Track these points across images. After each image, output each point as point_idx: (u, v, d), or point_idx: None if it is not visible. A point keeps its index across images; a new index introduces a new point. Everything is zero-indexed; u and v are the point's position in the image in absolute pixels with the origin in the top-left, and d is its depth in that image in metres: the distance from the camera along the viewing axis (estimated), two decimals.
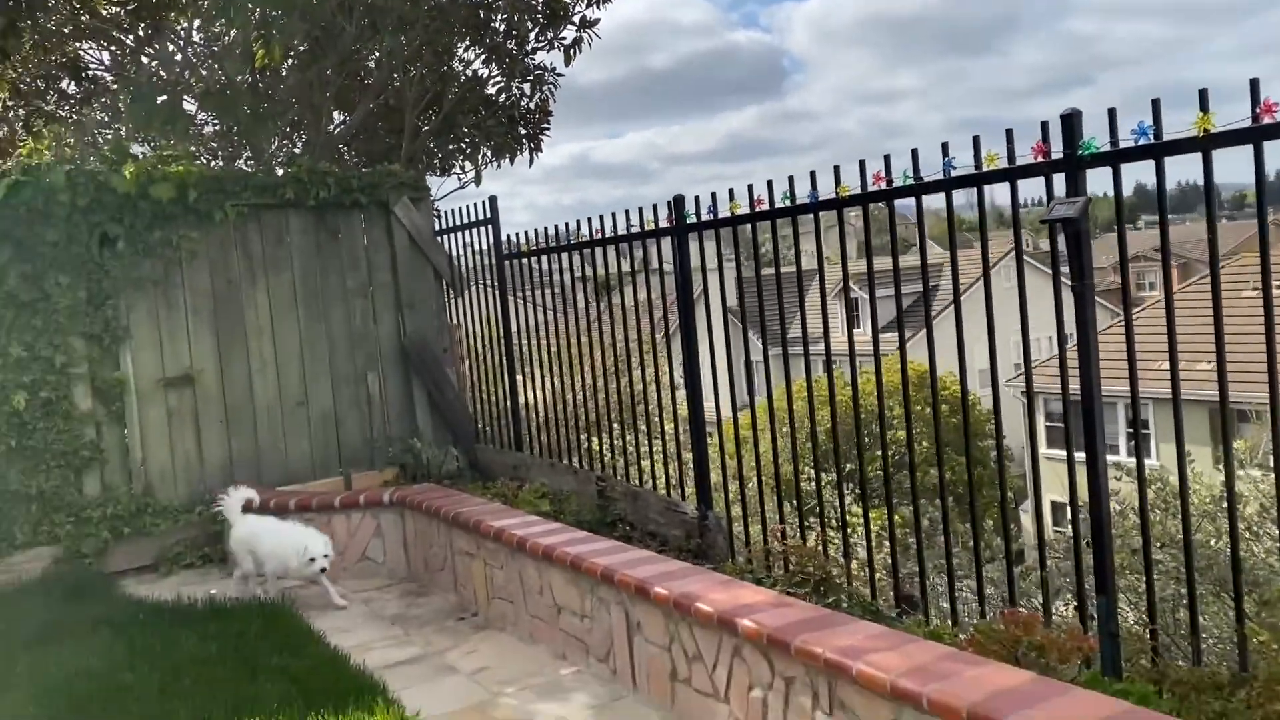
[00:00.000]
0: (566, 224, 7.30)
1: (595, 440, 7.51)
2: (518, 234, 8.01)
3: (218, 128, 11.23)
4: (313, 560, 6.40)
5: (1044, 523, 4.34)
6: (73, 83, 10.27)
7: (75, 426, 7.49)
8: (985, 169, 4.19)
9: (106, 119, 11.33)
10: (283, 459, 8.35)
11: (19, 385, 7.25)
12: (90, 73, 10.42)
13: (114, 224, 7.54)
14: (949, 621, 4.46)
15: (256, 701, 4.79)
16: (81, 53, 10.19)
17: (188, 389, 7.98)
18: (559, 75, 10.95)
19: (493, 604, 6.00)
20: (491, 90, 10.85)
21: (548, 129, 10.87)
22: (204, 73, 10.40)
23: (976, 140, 4.28)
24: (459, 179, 10.85)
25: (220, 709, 4.74)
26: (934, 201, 4.58)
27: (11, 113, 10.82)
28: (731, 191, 5.64)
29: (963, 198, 4.56)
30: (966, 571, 6.22)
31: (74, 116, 11.07)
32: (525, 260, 8.05)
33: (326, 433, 8.55)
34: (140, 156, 7.78)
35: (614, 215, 6.72)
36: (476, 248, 8.61)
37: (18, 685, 5.26)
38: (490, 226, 8.31)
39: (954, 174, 4.33)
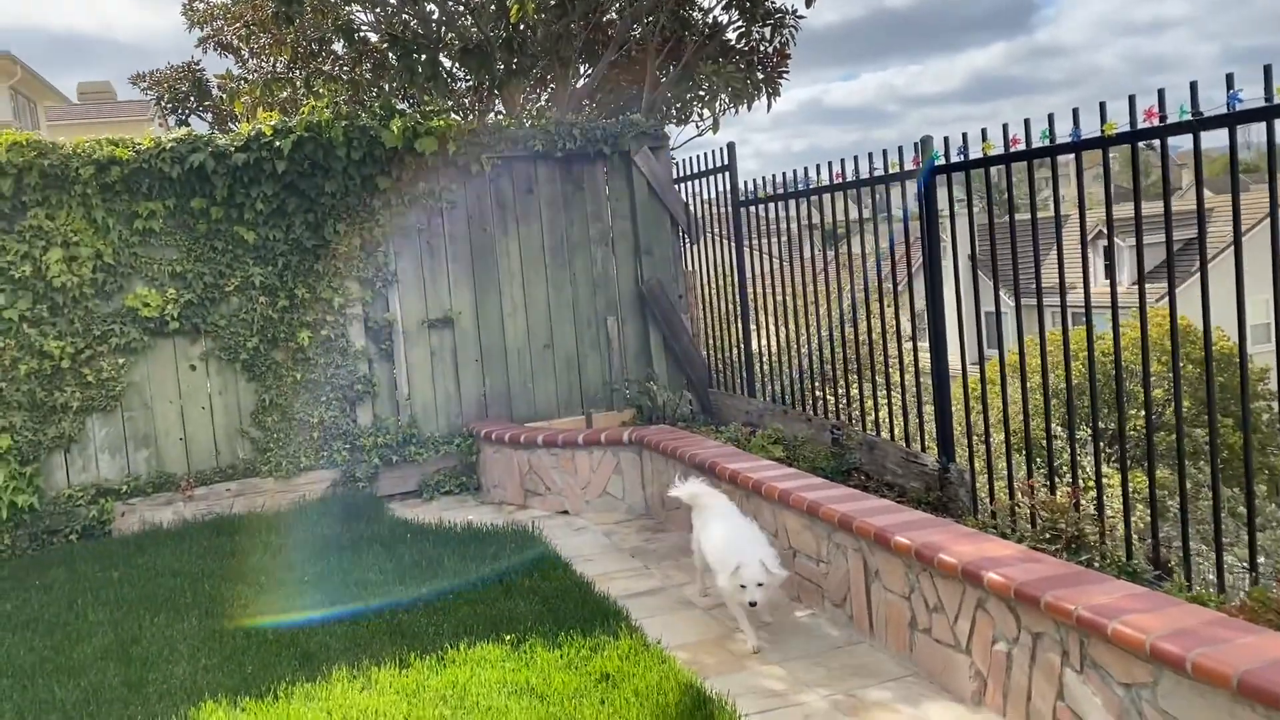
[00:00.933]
0: (806, 169, 7.23)
1: (830, 389, 7.48)
2: (753, 180, 8.02)
3: (472, 83, 11.82)
4: (742, 588, 4.69)
5: None
6: (344, 43, 11.08)
7: (351, 362, 8.22)
8: (1278, 101, 3.82)
9: (373, 77, 12.20)
10: (530, 398, 8.83)
11: (303, 324, 8.03)
12: (360, 34, 11.20)
13: (384, 176, 8.14)
14: (1213, 590, 4.19)
15: (511, 617, 5.18)
16: (352, 15, 10.97)
17: (447, 330, 8.57)
18: (800, 18, 10.81)
19: None
20: (731, 35, 10.85)
21: (786, 73, 10.76)
22: (460, 30, 10.96)
23: (1267, 70, 3.90)
24: (697, 126, 10.94)
25: (480, 621, 5.15)
26: (1209, 141, 4.23)
27: (294, 73, 11.85)
28: (984, 131, 5.42)
29: (1240, 138, 4.19)
30: (1233, 539, 5.79)
31: (346, 76, 11.99)
32: (760, 207, 8.05)
33: (570, 374, 8.96)
34: (405, 112, 8.34)
35: (855, 159, 6.61)
36: (712, 195, 8.70)
37: (307, 591, 5.91)
38: (727, 173, 8.36)
39: (1240, 108, 3.97)
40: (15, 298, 7.25)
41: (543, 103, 11.45)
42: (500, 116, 10.82)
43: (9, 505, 7.24)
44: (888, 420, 6.59)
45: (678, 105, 10.95)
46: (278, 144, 7.74)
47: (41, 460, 7.47)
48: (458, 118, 9.34)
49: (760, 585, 4.64)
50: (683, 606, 5.46)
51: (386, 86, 11.90)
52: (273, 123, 7.88)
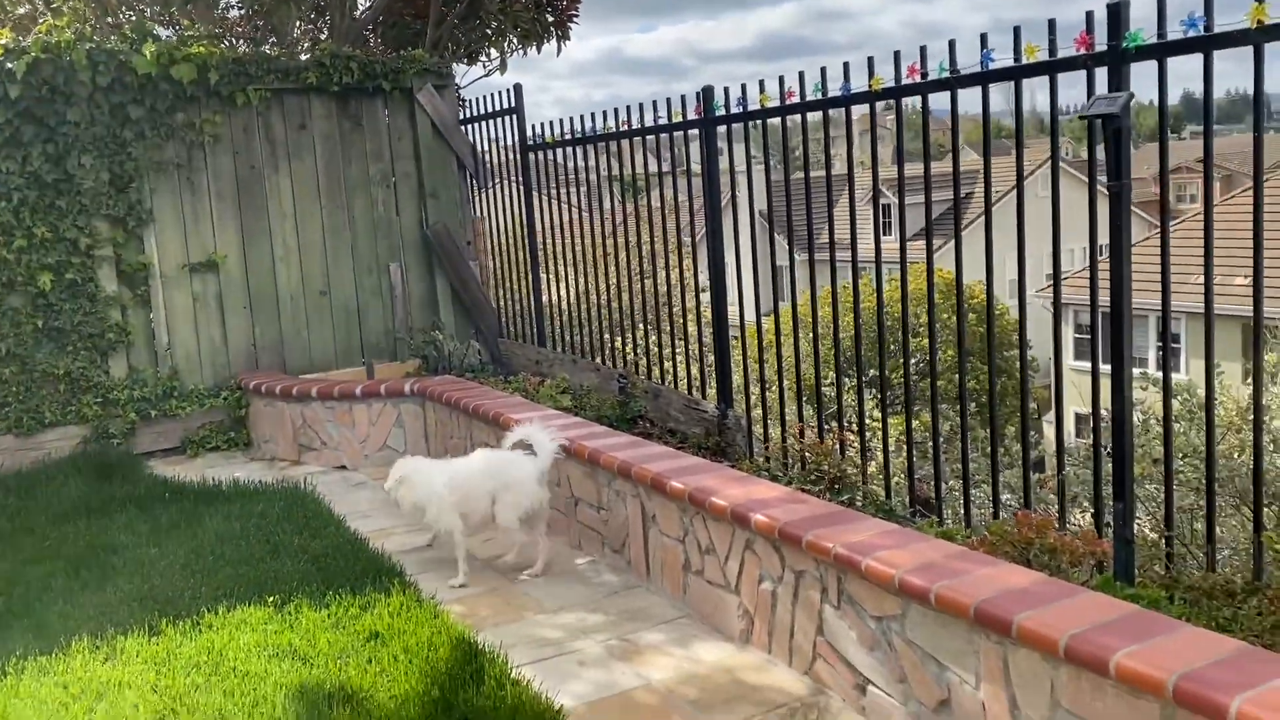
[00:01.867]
0: (593, 114, 7.14)
1: (618, 339, 7.49)
2: (543, 124, 7.86)
3: (242, 11, 10.99)
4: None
5: (1064, 428, 4.30)
6: None
7: (101, 309, 7.53)
8: (1025, 61, 4.02)
9: None
10: (306, 348, 8.40)
11: (44, 266, 7.28)
12: None
13: (135, 105, 7.45)
14: (962, 524, 4.46)
15: (277, 578, 4.91)
16: None
17: (212, 275, 7.99)
18: None
19: None
20: None
21: (576, 16, 10.56)
22: None
23: (1017, 31, 4.09)
24: (484, 66, 10.61)
25: (242, 583, 4.85)
26: (971, 105, 4.43)
27: None
28: (762, 84, 5.47)
29: (1001, 101, 4.41)
30: (984, 478, 6.20)
31: None
32: (550, 154, 7.90)
33: (349, 323, 8.58)
34: (160, 38, 7.64)
35: (640, 106, 6.57)
36: (501, 141, 8.48)
37: (47, 557, 5.41)
38: (515, 116, 8.15)
39: (992, 67, 4.16)
40: None
41: (322, 35, 10.79)
42: (273, 48, 10.12)
43: None
44: (673, 370, 6.66)
45: (465, 44, 10.56)
46: (9, 65, 6.94)
47: None
48: (222, 46, 8.67)
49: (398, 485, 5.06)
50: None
51: (146, 10, 10.89)
52: (3, 41, 7.04)
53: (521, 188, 8.25)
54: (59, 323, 7.38)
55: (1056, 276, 4.20)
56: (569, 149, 7.65)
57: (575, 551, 5.36)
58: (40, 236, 7.22)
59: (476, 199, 9.04)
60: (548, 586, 4.89)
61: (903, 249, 5.08)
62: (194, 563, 5.19)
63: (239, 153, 8.00)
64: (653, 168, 6.98)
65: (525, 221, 8.20)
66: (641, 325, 7.22)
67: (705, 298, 6.26)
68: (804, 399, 5.50)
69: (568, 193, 8.08)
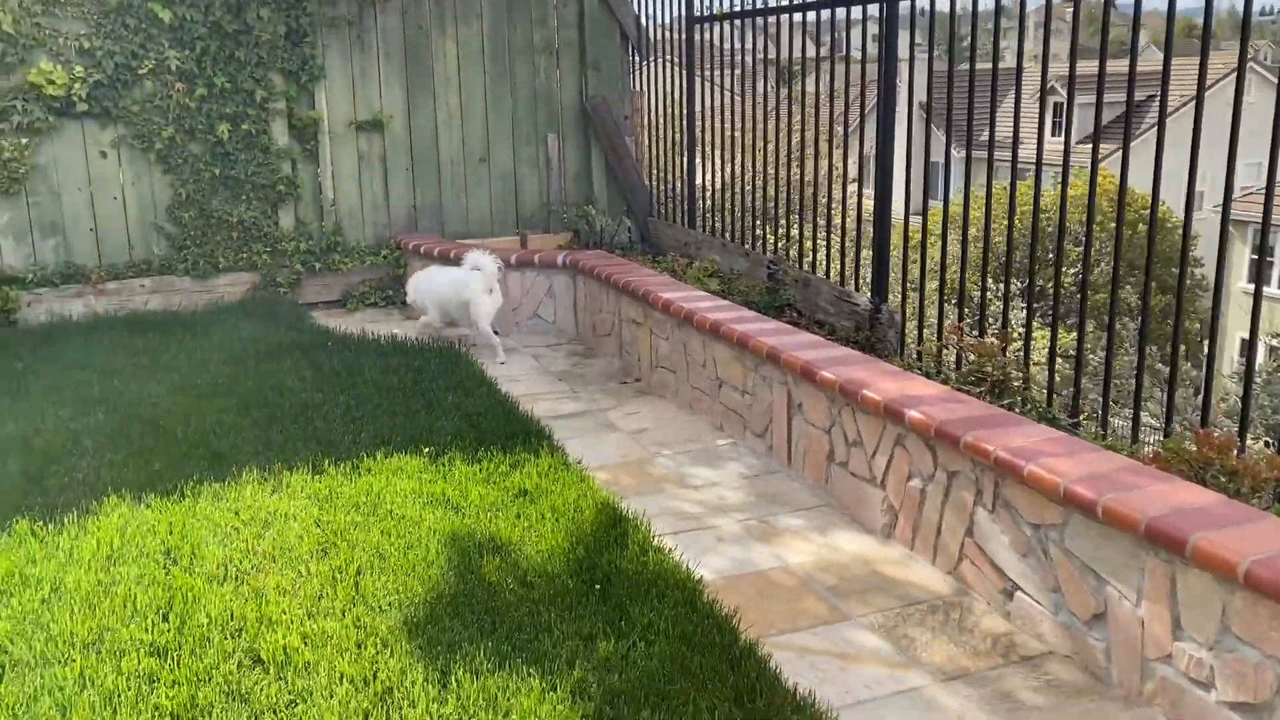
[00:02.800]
0: None
1: (770, 226, 7.34)
2: None
3: None
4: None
5: (1254, 349, 4.02)
6: None
7: (273, 161, 7.80)
8: None
9: None
10: (463, 213, 8.54)
11: (223, 116, 7.55)
12: None
13: None
14: (1129, 440, 4.26)
15: (431, 431, 5.10)
16: None
17: (377, 134, 8.15)
18: None
19: (655, 372, 6.10)
20: None
21: None
22: None
23: None
24: None
25: (399, 433, 5.06)
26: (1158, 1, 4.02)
27: None
28: None
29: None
30: (1148, 395, 5.91)
31: None
32: (714, 29, 7.64)
33: (506, 191, 8.66)
34: None
35: None
36: (665, 12, 8.26)
37: (220, 394, 5.75)
38: None
39: None
40: None
41: None
42: None
43: None
44: (825, 261, 6.50)
45: None
46: None
47: None
48: None
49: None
50: (606, 429, 5.44)
51: None
52: None
53: (684, 64, 8.05)
54: (234, 172, 7.68)
55: (1227, 193, 3.83)
56: (735, 22, 7.38)
57: (717, 432, 5.37)
58: (220, 86, 7.47)
59: (636, 73, 8.88)
60: (689, 464, 4.93)
61: (1066, 148, 4.74)
62: (354, 410, 5.44)
63: (407, 13, 8.04)
64: (812, 52, 6.69)
65: (685, 99, 8.02)
66: (795, 213, 7.04)
67: (863, 190, 6.03)
68: (955, 302, 5.29)
69: (731, 77, 7.85)
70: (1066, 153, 4.65)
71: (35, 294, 7.32)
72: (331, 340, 6.84)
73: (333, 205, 8.10)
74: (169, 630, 3.30)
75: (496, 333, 6.80)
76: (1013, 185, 4.97)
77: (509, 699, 2.93)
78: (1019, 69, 6.03)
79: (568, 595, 3.52)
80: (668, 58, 8.32)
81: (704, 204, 8.15)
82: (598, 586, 3.55)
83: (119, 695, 2.96)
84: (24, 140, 7.13)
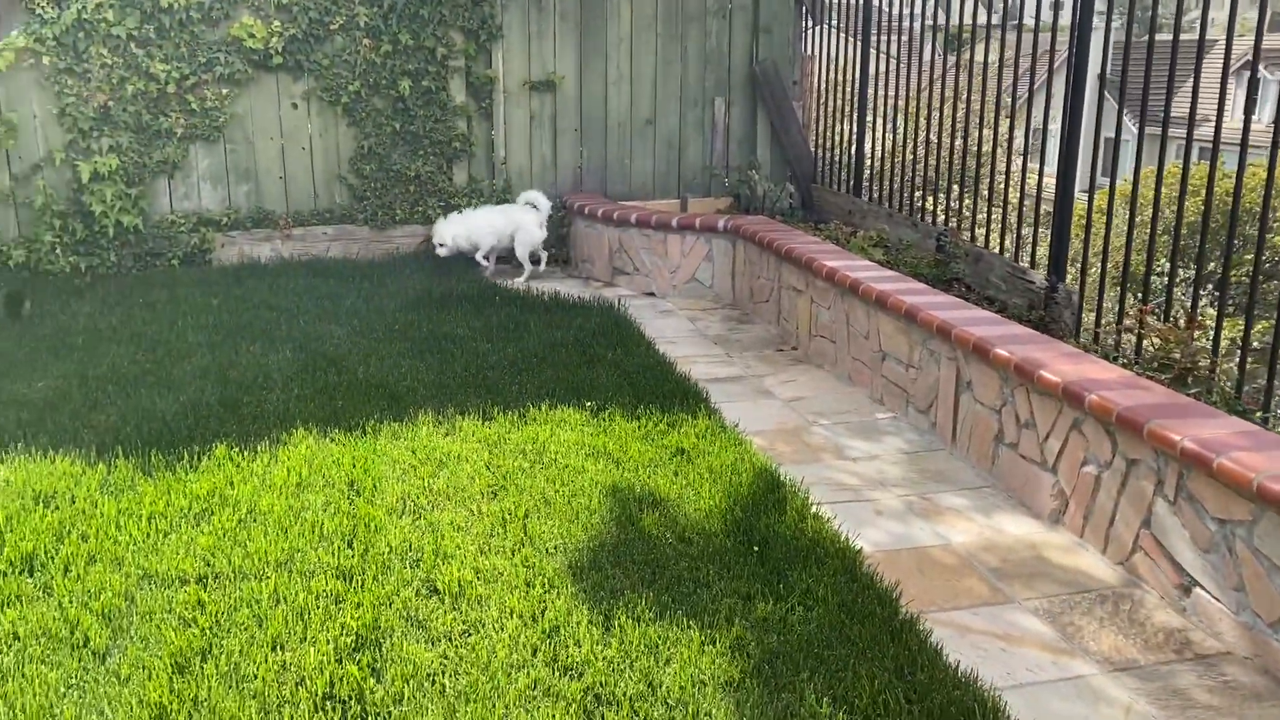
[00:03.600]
0: None
1: (938, 196, 7.15)
2: None
3: None
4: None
5: None
6: None
7: (450, 118, 8.06)
8: None
9: None
10: (627, 175, 8.64)
11: (405, 72, 7.84)
12: None
13: None
14: None
15: (592, 386, 5.23)
16: None
17: (549, 94, 8.31)
18: None
19: (814, 341, 6.07)
20: None
21: None
22: None
23: None
24: None
25: (561, 386, 5.21)
26: None
27: None
28: None
29: None
30: None
31: None
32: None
33: (669, 154, 8.71)
34: None
35: None
36: None
37: (396, 339, 6.03)
38: None
39: None
40: (123, 14, 7.15)
41: None
42: None
43: (115, 224, 7.41)
44: (999, 235, 6.30)
45: None
46: None
47: (146, 184, 7.58)
48: None
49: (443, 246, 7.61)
50: (762, 396, 5.46)
51: None
52: None
53: (860, 27, 7.88)
54: (414, 127, 7.98)
55: None
56: None
57: (876, 405, 5.32)
58: (404, 43, 7.75)
59: (807, 36, 8.76)
60: (847, 436, 4.91)
61: (1278, 128, 4.42)
62: (520, 361, 5.62)
63: None
64: (982, 20, 6.45)
65: (860, 64, 7.86)
66: (970, 184, 6.84)
67: (1043, 164, 5.80)
68: (1134, 286, 5.05)
69: (900, 43, 7.65)
70: (1277, 131, 4.36)
71: (229, 236, 7.81)
72: (498, 294, 7.07)
73: (503, 163, 8.32)
74: (353, 556, 3.52)
75: (535, 262, 7.84)
76: (1212, 165, 4.70)
77: (669, 648, 3.02)
78: (1207, 40, 5.66)
79: (725, 554, 3.58)
80: (838, 22, 8.17)
81: (870, 172, 8.00)
82: (755, 549, 3.60)
83: (309, 612, 3.19)
84: (224, 90, 7.59)
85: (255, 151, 7.84)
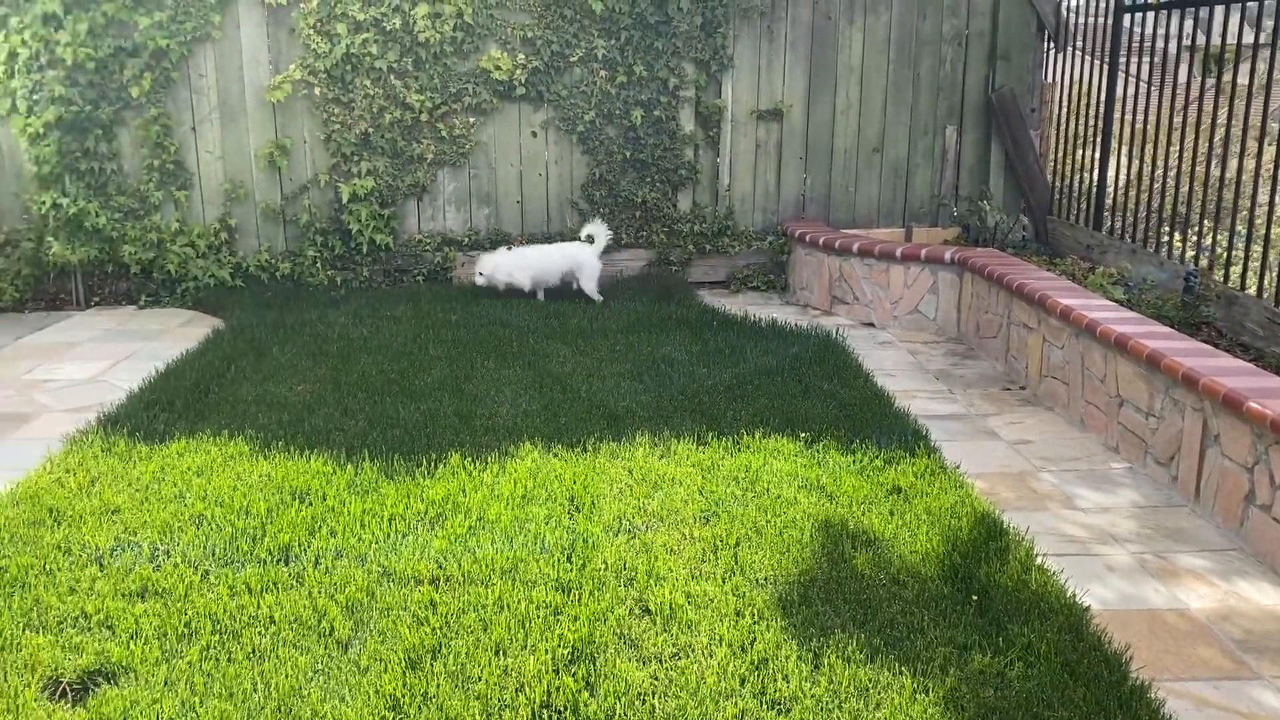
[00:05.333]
0: None
1: (1187, 231, 6.68)
2: None
3: None
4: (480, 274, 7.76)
5: None
6: None
7: (678, 146, 8.26)
8: None
9: None
10: (850, 202, 8.57)
11: (637, 102, 8.11)
12: None
13: None
14: None
15: (807, 416, 5.22)
16: None
17: (775, 123, 8.37)
18: None
19: (1044, 381, 5.80)
20: None
21: None
22: None
23: None
24: None
25: (776, 414, 5.23)
26: None
27: None
28: None
29: None
30: None
31: None
32: (1140, 18, 7.04)
33: (896, 183, 8.57)
34: None
35: None
36: (1089, 2, 7.73)
37: (618, 359, 6.23)
38: None
39: None
40: (386, 49, 7.78)
41: None
42: None
43: (369, 241, 8.05)
44: (1256, 275, 5.82)
45: None
46: None
47: (398, 205, 8.19)
48: None
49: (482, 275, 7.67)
50: (984, 436, 5.27)
51: None
52: None
53: (1108, 54, 7.50)
54: (643, 155, 8.23)
55: None
56: (1175, 11, 6.74)
57: (1110, 453, 5.03)
58: (638, 74, 8.02)
59: (1048, 63, 8.41)
60: (1077, 484, 4.67)
61: None
62: (735, 387, 5.68)
63: (817, 2, 8.15)
64: (1246, 39, 5.96)
65: (1105, 87, 7.48)
66: (1225, 218, 6.35)
67: None
68: None
69: (1144, 65, 7.20)
70: None
71: (469, 255, 8.31)
72: (716, 319, 7.17)
73: (727, 190, 8.44)
74: (571, 570, 3.68)
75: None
76: None
77: (880, 692, 2.98)
78: None
79: (941, 601, 3.49)
80: (1081, 47, 7.79)
81: (1112, 203, 7.58)
82: (974, 598, 3.49)
83: (529, 621, 3.36)
84: (471, 119, 8.10)
85: (496, 177, 8.31)
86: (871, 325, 7.44)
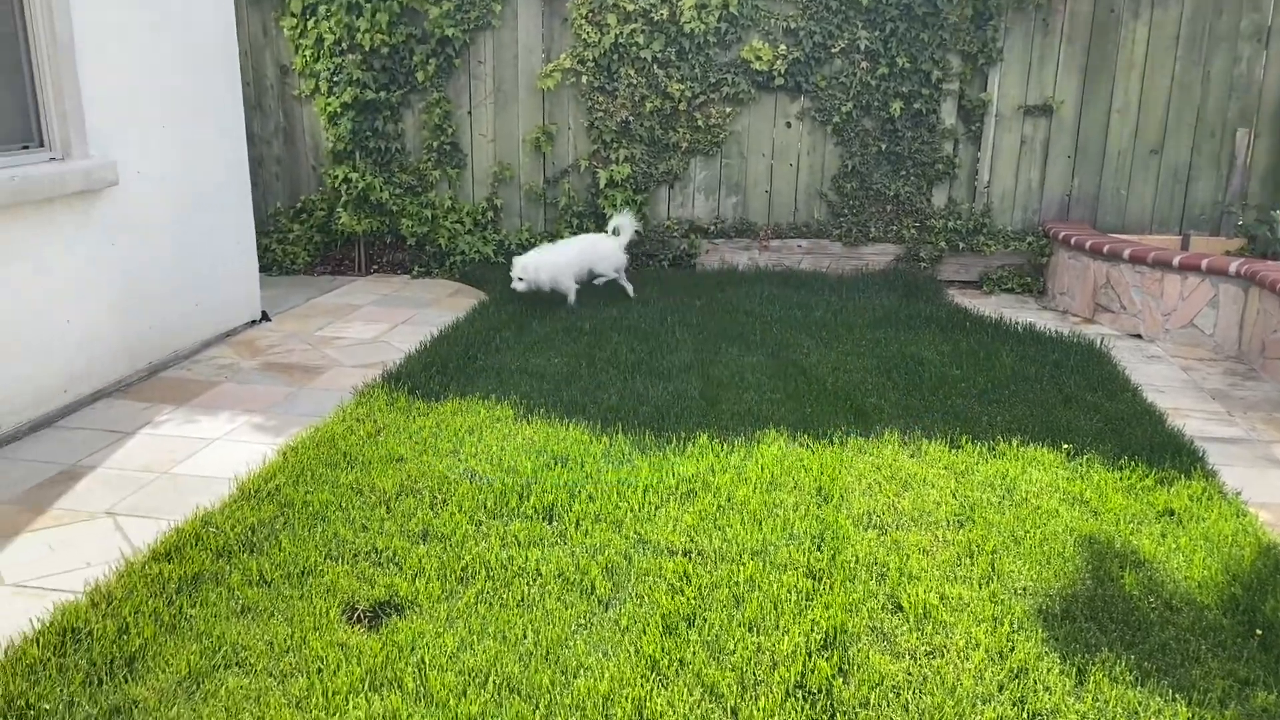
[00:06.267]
0: None
1: None
2: None
3: None
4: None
5: None
6: None
7: (936, 140, 8.05)
8: None
9: None
10: (1121, 206, 8.08)
11: (897, 94, 7.96)
12: None
13: None
14: None
15: (1068, 427, 4.99)
16: None
17: (1044, 119, 8.00)
18: None
19: None
20: None
21: None
22: None
23: None
24: None
25: (1034, 423, 5.04)
26: None
27: None
28: None
29: None
30: None
31: None
32: None
33: (1174, 187, 8.00)
34: None
35: None
36: None
37: (863, 354, 6.18)
38: None
39: None
40: (651, 39, 8.00)
41: None
42: None
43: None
44: None
45: None
46: None
47: (650, 191, 8.42)
48: None
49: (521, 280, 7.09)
50: (1270, 464, 4.86)
51: None
52: None
53: None
54: (898, 148, 8.08)
55: None
56: None
57: None
58: (900, 66, 7.87)
59: None
60: None
61: None
62: (990, 392, 5.51)
63: None
64: None
65: None
66: None
67: None
68: None
69: None
70: None
71: (713, 243, 8.44)
72: (968, 320, 6.96)
73: (986, 187, 8.15)
74: (822, 559, 3.70)
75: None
76: None
77: (1151, 717, 2.84)
78: None
79: (1220, 633, 3.28)
80: None
81: None
82: (1258, 632, 3.26)
83: (781, 603, 3.41)
84: (727, 109, 8.20)
85: (746, 166, 8.38)
86: (1138, 337, 7.00)
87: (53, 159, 5.16)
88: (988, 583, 3.56)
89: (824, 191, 8.36)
